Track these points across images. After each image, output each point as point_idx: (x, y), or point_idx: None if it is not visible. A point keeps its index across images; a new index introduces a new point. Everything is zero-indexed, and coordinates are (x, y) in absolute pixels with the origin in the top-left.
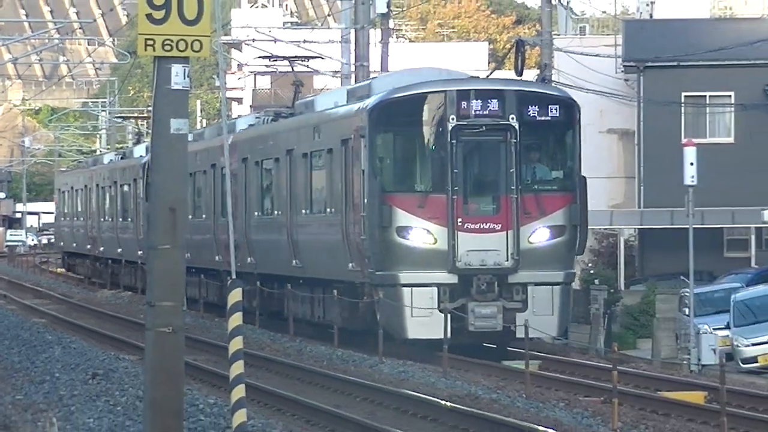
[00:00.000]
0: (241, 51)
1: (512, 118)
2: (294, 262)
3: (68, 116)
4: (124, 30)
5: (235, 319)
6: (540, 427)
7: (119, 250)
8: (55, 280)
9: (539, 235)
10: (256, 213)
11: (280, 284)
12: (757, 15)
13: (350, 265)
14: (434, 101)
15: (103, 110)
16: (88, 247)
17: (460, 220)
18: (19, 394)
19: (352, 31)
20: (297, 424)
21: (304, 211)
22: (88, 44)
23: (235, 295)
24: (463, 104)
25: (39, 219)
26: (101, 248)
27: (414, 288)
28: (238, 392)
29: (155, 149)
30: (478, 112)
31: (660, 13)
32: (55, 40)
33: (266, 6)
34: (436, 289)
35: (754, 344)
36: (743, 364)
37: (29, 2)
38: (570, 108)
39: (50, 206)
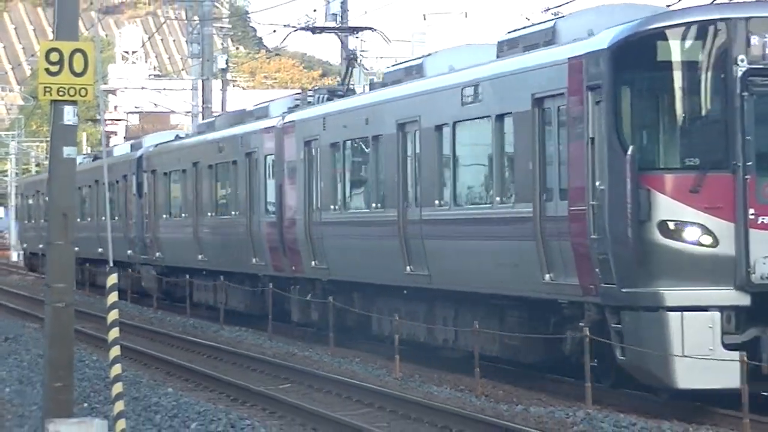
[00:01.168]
0: (116, 96)
1: None
2: (408, 269)
3: None
4: (29, 80)
5: (112, 297)
6: (339, 377)
7: (100, 249)
8: None
9: None
10: (332, 207)
11: (367, 295)
12: None
13: (546, 276)
14: (712, 34)
15: (12, 140)
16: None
17: (752, 211)
18: None
19: (200, 81)
20: (159, 375)
21: (437, 202)
22: (1, 90)
23: (113, 279)
24: (755, 39)
25: None
26: (76, 249)
27: (685, 312)
28: (115, 351)
29: (52, 169)
30: None
31: None
32: None
33: (135, 62)
34: (717, 313)
35: None
36: None
37: None
38: None
39: None
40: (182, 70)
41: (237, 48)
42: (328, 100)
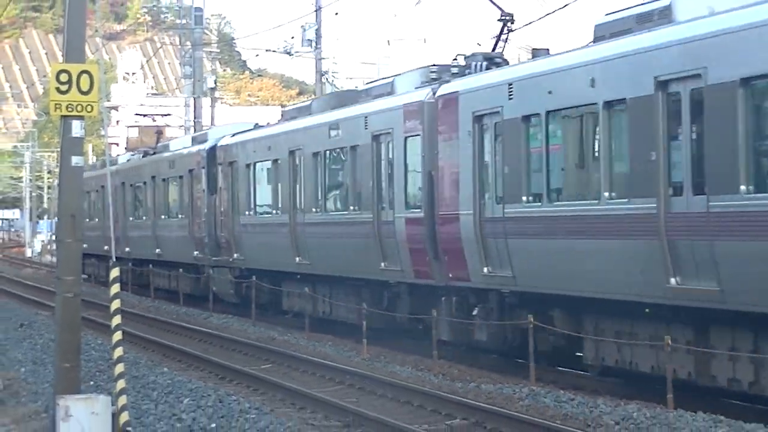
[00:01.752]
0: (118, 111)
1: None
2: (673, 281)
3: (2, 154)
4: (41, 97)
5: (115, 288)
6: (314, 358)
7: (158, 250)
8: None
9: None
10: (523, 198)
11: (575, 312)
12: None
13: None
14: None
15: (27, 150)
16: (106, 248)
17: None
18: None
19: (191, 99)
20: (156, 357)
21: (744, 188)
22: (17, 106)
23: (115, 272)
24: None
25: None
26: (126, 249)
27: None
28: (117, 336)
29: (62, 176)
30: None
31: None
32: None
33: (134, 82)
34: None
35: None
36: None
37: None
38: None
39: None
40: (176, 89)
41: (224, 69)
42: (487, 68)
